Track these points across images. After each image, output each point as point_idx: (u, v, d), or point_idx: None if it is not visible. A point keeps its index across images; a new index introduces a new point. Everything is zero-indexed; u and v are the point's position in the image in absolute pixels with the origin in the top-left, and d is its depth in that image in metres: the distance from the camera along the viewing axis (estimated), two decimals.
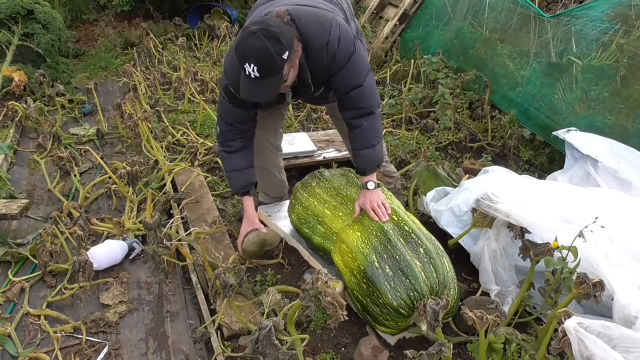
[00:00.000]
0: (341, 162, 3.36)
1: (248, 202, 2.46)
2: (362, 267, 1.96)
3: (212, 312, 2.14)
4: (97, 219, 2.74)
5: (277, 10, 1.90)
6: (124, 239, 2.59)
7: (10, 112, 3.90)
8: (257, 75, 1.79)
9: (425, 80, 4.68)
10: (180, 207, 2.83)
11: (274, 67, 1.80)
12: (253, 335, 1.61)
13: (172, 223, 2.61)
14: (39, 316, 2.18)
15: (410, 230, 2.05)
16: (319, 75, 2.06)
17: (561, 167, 2.94)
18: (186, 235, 2.52)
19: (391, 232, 2.02)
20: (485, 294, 2.20)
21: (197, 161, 3.37)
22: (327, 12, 2.06)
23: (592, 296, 1.69)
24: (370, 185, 2.18)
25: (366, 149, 2.19)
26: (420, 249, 1.97)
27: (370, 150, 2.20)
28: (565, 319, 1.54)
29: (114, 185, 2.97)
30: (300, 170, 3.36)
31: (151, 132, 3.54)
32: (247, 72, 1.80)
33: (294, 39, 1.86)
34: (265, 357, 1.61)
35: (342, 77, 2.06)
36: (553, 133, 3.05)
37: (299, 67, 1.98)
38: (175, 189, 3.07)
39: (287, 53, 1.81)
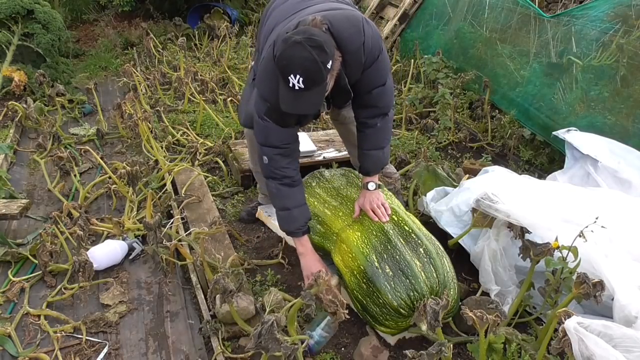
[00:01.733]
0: (341, 162, 3.36)
1: (308, 243, 2.21)
2: (362, 267, 1.96)
3: (212, 315, 2.13)
4: (97, 219, 2.74)
5: (313, 20, 1.81)
6: (124, 239, 2.59)
7: (10, 112, 3.89)
8: (302, 86, 1.70)
9: (425, 80, 4.68)
10: (181, 207, 2.83)
11: (320, 77, 1.73)
12: (255, 330, 1.61)
13: (172, 223, 2.61)
14: (39, 316, 2.18)
15: (410, 230, 2.05)
16: (354, 78, 1.99)
17: (561, 167, 2.94)
18: (186, 235, 2.52)
19: (391, 232, 2.02)
20: (485, 294, 2.20)
21: (197, 161, 3.37)
22: (353, 10, 2.03)
23: (592, 296, 1.69)
24: (371, 185, 2.17)
25: (375, 150, 2.18)
26: (420, 249, 1.97)
27: (379, 152, 2.19)
28: (565, 319, 1.54)
29: (114, 185, 2.97)
30: (301, 170, 3.34)
31: (151, 132, 3.54)
32: (291, 84, 1.71)
33: (333, 47, 1.80)
34: (268, 352, 1.61)
35: (370, 75, 2.00)
36: (553, 133, 3.05)
37: (336, 75, 1.91)
38: (175, 189, 3.07)
39: (330, 62, 1.75)
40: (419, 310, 1.76)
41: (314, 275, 1.69)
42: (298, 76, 1.69)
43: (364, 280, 1.95)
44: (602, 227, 1.82)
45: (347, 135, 2.60)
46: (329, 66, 1.74)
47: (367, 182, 2.19)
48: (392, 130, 4.02)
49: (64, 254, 2.48)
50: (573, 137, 2.88)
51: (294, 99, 1.77)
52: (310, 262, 2.19)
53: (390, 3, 5.72)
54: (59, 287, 2.34)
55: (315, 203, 2.37)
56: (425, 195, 2.65)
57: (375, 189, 2.17)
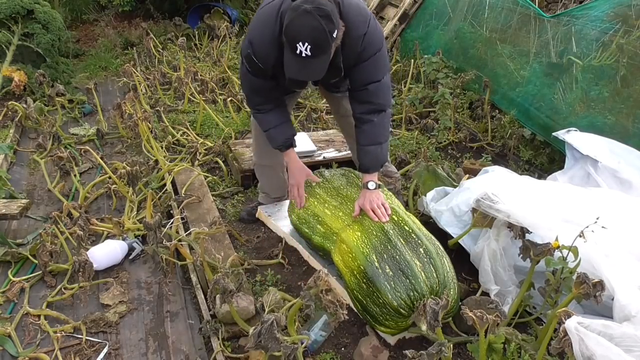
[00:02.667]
0: (341, 162, 3.36)
1: (293, 153, 2.42)
2: (362, 267, 1.96)
3: (212, 315, 2.13)
4: (97, 219, 2.74)
5: None
6: (124, 239, 2.59)
7: (10, 112, 3.89)
8: (309, 54, 1.79)
9: (425, 80, 4.68)
10: (181, 207, 2.83)
11: (327, 46, 1.82)
12: (255, 329, 1.61)
13: (172, 223, 2.60)
14: (39, 316, 2.17)
15: (410, 230, 2.05)
16: (347, 62, 2.07)
17: (561, 167, 2.94)
18: (186, 235, 2.52)
19: (391, 232, 2.02)
20: (485, 294, 2.20)
21: (197, 161, 3.37)
22: (364, 4, 2.10)
23: (592, 296, 1.69)
24: (371, 185, 2.18)
25: (373, 146, 2.21)
26: (420, 249, 1.97)
27: (377, 147, 2.21)
28: (565, 319, 1.54)
29: (114, 185, 2.97)
30: None
31: (151, 132, 3.54)
32: (298, 51, 1.80)
33: (338, 18, 1.88)
34: (267, 351, 1.61)
35: (365, 69, 2.09)
36: (553, 134, 3.05)
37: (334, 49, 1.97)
38: (175, 189, 3.07)
39: (336, 32, 1.84)
40: (418, 310, 1.76)
41: (314, 276, 1.69)
42: (306, 44, 1.78)
43: (364, 280, 1.95)
44: (603, 227, 1.82)
45: (349, 130, 2.62)
46: (334, 35, 1.84)
47: (367, 182, 2.20)
48: (392, 130, 4.06)
49: (64, 254, 2.48)
50: (573, 137, 2.88)
51: (300, 65, 1.86)
52: (295, 170, 2.42)
53: (390, 3, 5.71)
54: (59, 287, 2.34)
55: (315, 203, 2.37)
56: (425, 195, 2.65)
57: (375, 188, 2.18)
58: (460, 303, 1.97)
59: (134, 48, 5.77)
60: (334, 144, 3.60)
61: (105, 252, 2.47)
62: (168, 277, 2.43)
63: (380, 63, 2.11)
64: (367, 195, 2.16)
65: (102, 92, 4.82)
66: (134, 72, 4.67)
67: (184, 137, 3.75)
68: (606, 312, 1.92)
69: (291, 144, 2.41)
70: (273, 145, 2.41)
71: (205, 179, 3.20)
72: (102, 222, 2.73)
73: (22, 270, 2.47)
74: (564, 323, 1.53)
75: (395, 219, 2.10)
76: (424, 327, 1.74)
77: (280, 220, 2.77)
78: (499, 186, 2.31)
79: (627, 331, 1.49)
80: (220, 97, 4.46)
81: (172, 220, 2.63)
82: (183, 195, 2.92)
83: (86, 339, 2.06)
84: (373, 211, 2.10)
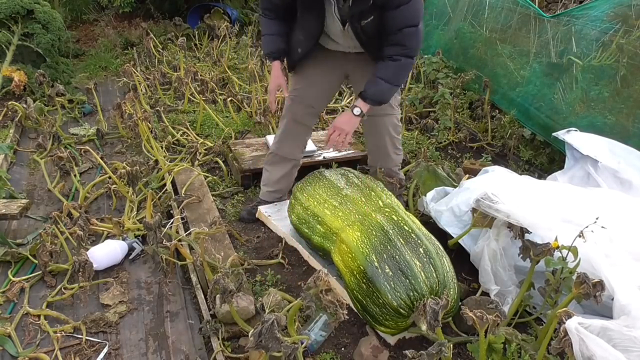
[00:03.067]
0: (341, 162, 3.36)
1: (276, 64, 2.54)
2: (361, 267, 1.96)
3: (212, 315, 2.13)
4: (97, 219, 2.74)
5: None
6: (124, 239, 2.59)
7: (10, 112, 3.89)
8: None
9: (425, 80, 4.68)
10: (181, 207, 2.83)
11: None
12: (255, 329, 1.61)
13: (172, 223, 2.61)
14: (39, 316, 2.17)
15: (410, 230, 2.04)
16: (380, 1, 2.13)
17: (561, 167, 2.94)
18: (186, 235, 2.52)
19: (391, 232, 2.02)
20: (485, 294, 2.20)
21: (197, 161, 3.37)
22: None
23: (592, 296, 1.69)
24: (357, 111, 2.26)
25: (387, 83, 2.28)
26: (420, 249, 1.97)
27: (388, 85, 2.29)
28: (565, 319, 1.54)
29: (114, 185, 2.97)
30: (301, 170, 3.35)
31: (151, 132, 3.54)
32: None
33: None
34: (268, 351, 1.61)
35: (405, 12, 2.14)
36: (553, 134, 3.05)
37: None
38: (175, 189, 3.07)
39: None
40: (418, 310, 1.76)
41: (314, 276, 1.69)
42: None
43: (364, 280, 1.95)
44: (602, 227, 1.82)
45: (370, 128, 2.70)
46: None
47: (355, 106, 2.24)
48: None
49: (64, 254, 2.48)
50: (573, 137, 2.88)
51: None
52: (272, 78, 2.57)
53: None
54: (59, 287, 2.34)
55: (315, 203, 2.36)
56: (425, 195, 2.65)
57: (359, 115, 2.23)
58: (460, 303, 1.97)
59: (134, 48, 5.77)
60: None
61: (105, 252, 2.47)
62: (168, 277, 2.43)
63: (418, 9, 2.18)
64: (343, 117, 2.24)
65: (102, 92, 4.82)
66: (134, 72, 4.67)
67: (184, 137, 3.75)
68: (606, 312, 1.92)
69: (276, 58, 2.52)
70: (263, 50, 2.61)
71: (205, 179, 3.20)
72: (102, 222, 2.73)
73: (22, 270, 2.47)
74: (564, 323, 1.53)
75: (395, 218, 2.10)
76: (424, 327, 1.74)
77: (280, 220, 2.77)
78: (499, 186, 2.31)
79: (626, 332, 1.49)
80: (220, 97, 4.46)
81: (172, 220, 2.63)
82: (183, 195, 2.92)
83: (86, 339, 2.06)
84: (332, 134, 2.21)
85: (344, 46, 2.47)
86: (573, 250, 1.84)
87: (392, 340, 2.06)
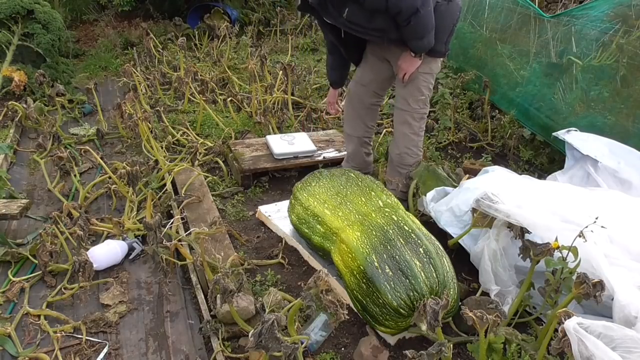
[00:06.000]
0: (341, 162, 3.36)
1: (332, 89, 3.18)
2: (361, 267, 1.96)
3: (212, 315, 2.13)
4: (97, 219, 2.75)
5: None
6: (124, 239, 2.59)
7: (10, 112, 3.89)
8: None
9: None
10: (181, 207, 2.83)
11: None
12: (255, 329, 1.61)
13: (172, 223, 2.60)
14: (39, 316, 2.18)
15: (410, 230, 2.04)
16: None
17: (561, 167, 2.94)
18: (186, 235, 2.52)
19: (391, 232, 2.02)
20: (485, 294, 2.20)
21: (197, 161, 3.37)
22: None
23: (592, 296, 1.69)
24: (412, 53, 2.57)
25: (415, 40, 2.49)
26: (420, 249, 1.97)
27: (418, 42, 2.50)
28: (565, 319, 1.54)
29: (114, 185, 2.97)
30: (300, 170, 3.36)
31: (151, 132, 3.54)
32: None
33: None
34: (268, 351, 1.61)
35: None
36: (553, 134, 3.05)
37: None
38: (175, 189, 3.07)
39: None
40: (418, 310, 1.76)
41: (314, 276, 1.69)
42: None
43: (364, 280, 1.95)
44: (602, 227, 1.82)
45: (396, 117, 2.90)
46: None
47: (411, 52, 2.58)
48: (392, 130, 4.04)
49: (64, 254, 2.48)
50: (573, 137, 2.88)
51: None
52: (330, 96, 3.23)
53: None
54: (59, 287, 2.34)
55: (315, 203, 2.37)
56: (425, 195, 2.65)
57: (415, 57, 2.57)
58: (460, 303, 1.97)
59: (134, 48, 5.77)
60: (334, 144, 3.60)
61: (105, 252, 2.47)
62: (168, 277, 2.43)
63: None
64: (406, 59, 2.60)
65: (102, 92, 4.82)
66: (134, 72, 4.67)
67: (184, 137, 3.75)
68: (606, 312, 1.92)
69: (338, 86, 3.16)
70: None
71: (205, 179, 3.20)
72: (102, 222, 2.73)
73: (22, 270, 2.47)
74: (563, 323, 1.53)
75: (395, 218, 2.10)
76: (424, 327, 1.74)
77: (280, 220, 2.77)
78: (499, 186, 2.31)
79: (628, 333, 1.49)
80: (220, 97, 4.46)
81: (172, 220, 2.63)
82: (183, 195, 2.92)
83: (86, 339, 2.06)
84: (402, 76, 2.66)
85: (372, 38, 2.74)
86: (573, 250, 1.84)
87: (392, 340, 2.06)
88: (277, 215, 2.83)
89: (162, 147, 3.53)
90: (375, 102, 2.99)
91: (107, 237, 2.66)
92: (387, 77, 2.87)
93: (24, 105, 3.98)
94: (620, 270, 1.88)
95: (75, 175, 3.23)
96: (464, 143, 3.92)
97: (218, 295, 1.93)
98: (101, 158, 3.45)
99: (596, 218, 1.82)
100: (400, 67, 2.65)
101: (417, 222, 2.16)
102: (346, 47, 2.81)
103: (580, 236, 1.83)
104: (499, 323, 1.65)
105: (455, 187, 2.67)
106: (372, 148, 3.20)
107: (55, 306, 2.27)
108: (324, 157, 3.42)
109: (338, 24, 2.56)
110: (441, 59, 2.76)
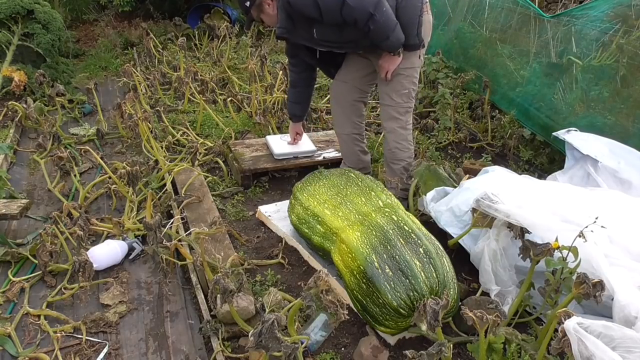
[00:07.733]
0: (341, 162, 3.36)
1: (292, 123, 3.33)
2: (361, 267, 1.96)
3: (212, 315, 2.13)
4: (97, 219, 2.75)
5: None
6: (124, 239, 2.59)
7: (10, 112, 3.89)
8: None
9: (425, 80, 4.68)
10: (181, 207, 2.83)
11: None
12: (256, 329, 1.61)
13: (172, 223, 2.60)
14: (39, 316, 2.17)
15: (410, 230, 2.04)
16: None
17: (561, 167, 2.94)
18: (186, 235, 2.52)
19: (391, 232, 2.02)
20: (485, 294, 2.20)
21: (197, 161, 3.37)
22: None
23: (592, 296, 1.69)
24: (390, 53, 2.63)
25: (382, 41, 2.53)
26: (420, 249, 1.97)
27: (386, 42, 2.54)
28: (565, 319, 1.54)
29: (114, 185, 2.97)
30: (300, 170, 3.36)
31: (151, 132, 3.54)
32: None
33: None
34: (268, 351, 1.61)
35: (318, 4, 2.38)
36: (553, 134, 3.05)
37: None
38: (175, 189, 3.07)
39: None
40: (418, 310, 1.76)
41: (314, 276, 1.69)
42: None
43: (364, 280, 1.95)
44: (602, 227, 1.82)
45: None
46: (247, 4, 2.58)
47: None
48: None
49: (64, 254, 2.48)
50: (573, 137, 2.88)
51: None
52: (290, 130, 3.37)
53: None
54: (59, 287, 2.34)
55: (315, 203, 2.37)
56: (425, 195, 2.65)
57: (394, 55, 2.63)
58: (460, 303, 1.97)
59: (134, 48, 5.77)
60: (333, 144, 3.60)
61: (105, 252, 2.47)
62: (168, 277, 2.43)
63: None
64: (385, 58, 2.66)
65: (102, 92, 4.82)
66: (134, 72, 4.67)
67: (184, 137, 3.75)
68: (606, 312, 1.92)
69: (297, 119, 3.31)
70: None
71: (205, 179, 3.20)
72: (102, 222, 2.73)
73: (22, 270, 2.47)
74: (563, 323, 1.53)
75: (395, 218, 2.10)
76: (424, 327, 1.74)
77: (280, 220, 2.77)
78: (499, 186, 2.31)
79: (628, 332, 1.49)
80: (220, 97, 4.46)
81: (172, 220, 2.63)
82: (183, 195, 2.92)
83: (86, 339, 2.06)
84: (384, 74, 2.70)
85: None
86: (573, 250, 1.84)
87: (392, 340, 2.06)
88: (277, 215, 2.83)
89: (162, 147, 3.53)
90: (358, 98, 3.02)
91: (107, 237, 2.66)
92: (369, 72, 2.91)
93: (24, 105, 3.98)
94: (620, 270, 1.88)
95: (75, 175, 3.23)
96: (464, 143, 3.92)
97: (218, 295, 1.93)
98: (101, 158, 3.45)
99: (596, 218, 1.82)
100: (382, 66, 2.71)
101: (417, 222, 2.16)
102: (323, 64, 2.96)
103: (580, 236, 1.83)
104: (499, 323, 1.65)
105: (455, 187, 2.67)
106: (366, 146, 3.20)
107: (55, 306, 2.26)
108: (324, 157, 3.42)
109: (313, 44, 2.71)
110: (418, 51, 2.76)
